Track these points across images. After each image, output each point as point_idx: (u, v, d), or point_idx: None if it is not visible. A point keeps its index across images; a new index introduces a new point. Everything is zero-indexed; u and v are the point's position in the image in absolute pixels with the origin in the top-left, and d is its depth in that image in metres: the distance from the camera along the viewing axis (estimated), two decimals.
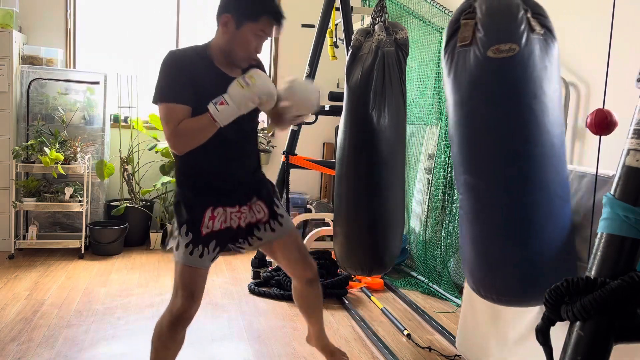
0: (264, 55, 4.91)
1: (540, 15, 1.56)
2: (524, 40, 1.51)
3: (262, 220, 1.94)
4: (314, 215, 4.41)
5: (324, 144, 5.00)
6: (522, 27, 1.51)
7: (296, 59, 4.69)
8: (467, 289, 2.46)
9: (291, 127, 3.60)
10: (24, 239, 4.00)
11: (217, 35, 1.76)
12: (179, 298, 1.75)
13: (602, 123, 1.10)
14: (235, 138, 1.80)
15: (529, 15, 1.54)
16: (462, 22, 1.60)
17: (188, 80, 1.68)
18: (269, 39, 1.82)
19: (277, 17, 1.72)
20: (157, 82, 1.71)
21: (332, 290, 3.31)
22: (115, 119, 4.43)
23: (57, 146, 3.91)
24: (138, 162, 4.44)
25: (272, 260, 2.10)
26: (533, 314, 1.96)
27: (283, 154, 3.58)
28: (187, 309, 1.74)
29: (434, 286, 3.52)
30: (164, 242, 4.36)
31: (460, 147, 1.67)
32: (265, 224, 1.95)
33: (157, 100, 1.69)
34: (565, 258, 1.59)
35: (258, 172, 1.99)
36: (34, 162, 3.85)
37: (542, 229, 1.54)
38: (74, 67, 4.46)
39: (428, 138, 3.83)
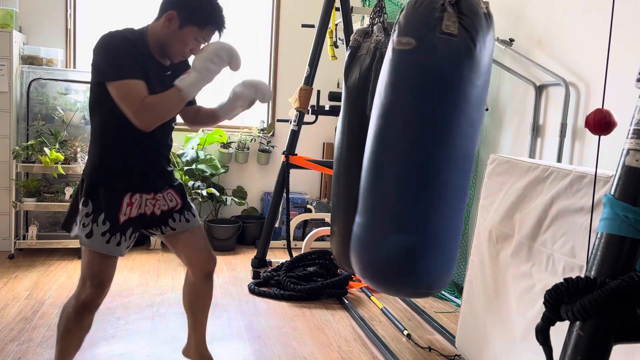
0: (264, 55, 4.91)
1: (464, 16, 1.59)
2: (423, 37, 1.58)
3: (175, 208, 1.95)
4: (314, 215, 4.41)
5: (324, 144, 5.00)
6: (429, 24, 1.57)
7: (296, 59, 4.70)
8: (467, 289, 2.46)
9: (291, 127, 3.60)
10: (24, 239, 4.00)
11: (155, 25, 1.76)
12: (87, 287, 1.74)
13: (601, 123, 1.10)
14: (160, 129, 1.76)
15: (445, 13, 1.57)
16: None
17: (134, 60, 1.67)
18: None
19: (220, 29, 1.77)
20: (105, 60, 1.65)
21: (332, 290, 3.31)
22: None
23: (57, 146, 3.91)
24: None
25: (175, 254, 2.14)
26: (533, 313, 1.96)
27: (283, 154, 3.58)
28: (94, 298, 1.74)
29: None
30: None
31: (372, 122, 1.78)
32: (180, 215, 1.96)
33: (111, 77, 1.63)
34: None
35: (170, 163, 2.01)
36: (34, 162, 3.85)
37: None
38: (74, 67, 4.45)
39: None
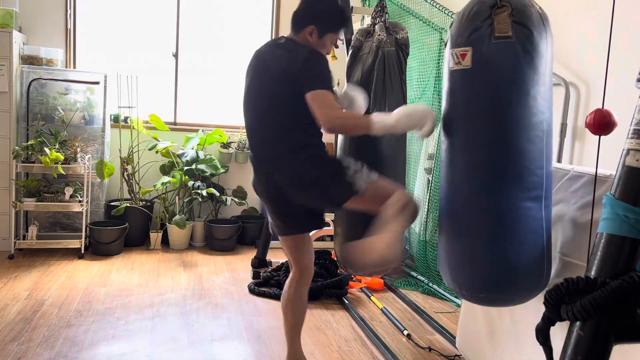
0: None
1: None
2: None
3: None
4: None
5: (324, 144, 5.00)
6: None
7: None
8: None
9: None
10: (24, 239, 4.00)
11: (299, 38, 2.01)
12: (396, 189, 1.86)
13: (602, 123, 1.10)
14: None
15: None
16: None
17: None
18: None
19: (348, 26, 2.12)
20: (322, 72, 1.88)
21: (332, 290, 3.31)
22: (115, 119, 4.43)
23: (57, 146, 3.91)
24: (138, 162, 4.44)
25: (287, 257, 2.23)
26: (533, 313, 1.96)
27: None
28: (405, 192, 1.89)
29: (434, 286, 3.52)
30: (164, 242, 4.36)
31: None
32: None
33: (324, 87, 1.85)
34: (538, 262, 1.60)
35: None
36: (34, 162, 3.85)
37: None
38: (74, 67, 4.46)
39: (428, 138, 3.83)
